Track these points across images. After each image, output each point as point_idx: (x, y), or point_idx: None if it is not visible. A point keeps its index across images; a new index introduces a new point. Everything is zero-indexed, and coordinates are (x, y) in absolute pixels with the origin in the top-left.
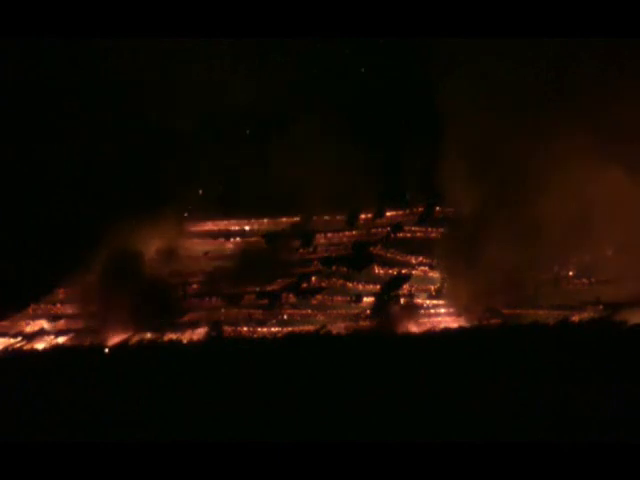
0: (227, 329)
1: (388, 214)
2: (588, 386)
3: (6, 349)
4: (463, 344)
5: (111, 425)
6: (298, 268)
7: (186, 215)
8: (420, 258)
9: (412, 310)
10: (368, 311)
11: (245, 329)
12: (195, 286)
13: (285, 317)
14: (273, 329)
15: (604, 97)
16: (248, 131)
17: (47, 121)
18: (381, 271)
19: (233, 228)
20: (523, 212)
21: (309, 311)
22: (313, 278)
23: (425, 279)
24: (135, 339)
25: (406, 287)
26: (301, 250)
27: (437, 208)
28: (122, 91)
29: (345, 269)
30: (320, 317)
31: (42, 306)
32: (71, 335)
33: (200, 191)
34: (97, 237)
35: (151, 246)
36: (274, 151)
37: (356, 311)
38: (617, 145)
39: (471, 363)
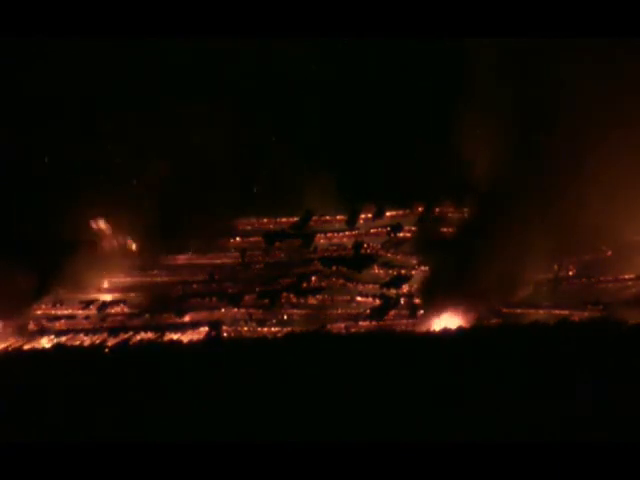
0: (227, 329)
1: (388, 214)
2: (588, 386)
3: (6, 349)
4: (463, 344)
5: (111, 425)
6: (298, 268)
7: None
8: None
9: (412, 310)
10: (368, 311)
11: (245, 329)
12: (195, 286)
13: (285, 317)
14: (273, 329)
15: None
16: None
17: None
18: (381, 271)
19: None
20: (524, 210)
21: (309, 311)
22: (313, 278)
23: (425, 279)
24: (135, 339)
25: (406, 287)
26: (301, 250)
27: (437, 209)
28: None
29: (345, 269)
30: (320, 317)
31: (42, 306)
32: (71, 335)
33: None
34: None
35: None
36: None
37: (356, 311)
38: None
39: (471, 363)
